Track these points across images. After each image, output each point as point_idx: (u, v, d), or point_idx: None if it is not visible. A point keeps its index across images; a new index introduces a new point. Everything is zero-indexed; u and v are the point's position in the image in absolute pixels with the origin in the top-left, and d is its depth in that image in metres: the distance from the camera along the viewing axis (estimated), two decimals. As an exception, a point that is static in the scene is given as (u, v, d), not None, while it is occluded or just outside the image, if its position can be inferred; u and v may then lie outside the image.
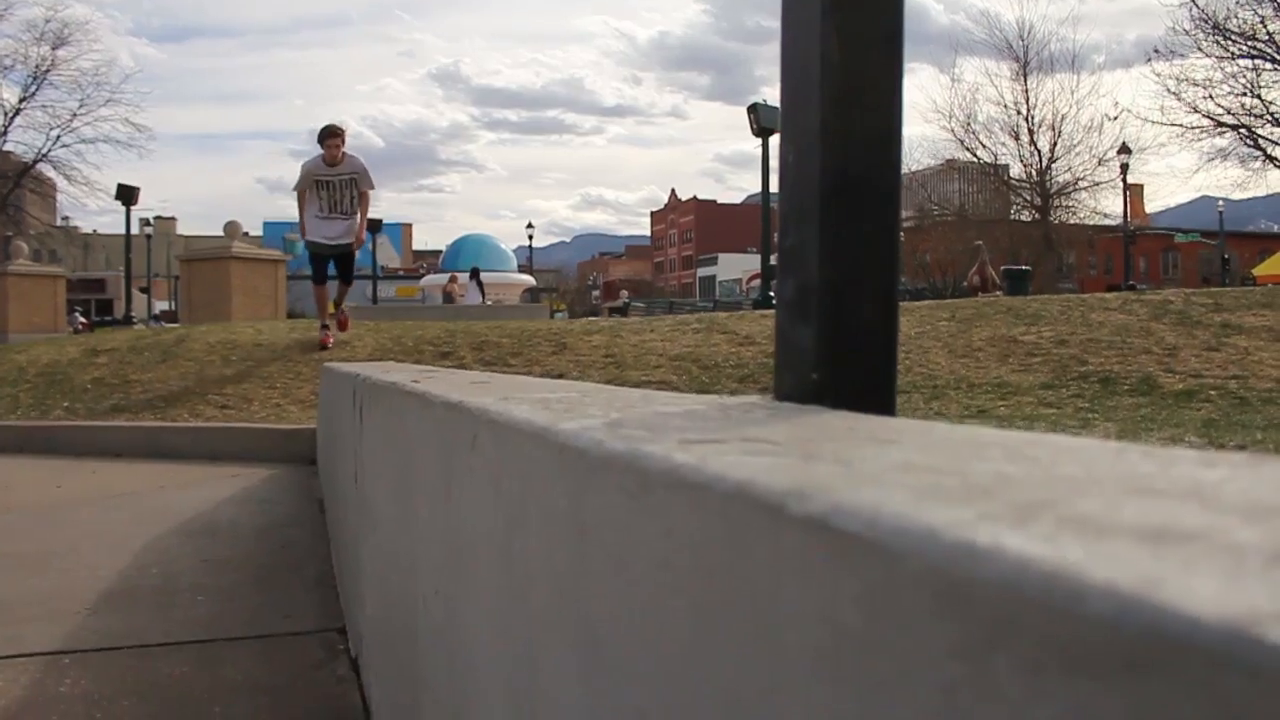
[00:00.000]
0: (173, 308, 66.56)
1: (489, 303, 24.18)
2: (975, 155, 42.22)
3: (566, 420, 1.04)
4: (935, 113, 42.17)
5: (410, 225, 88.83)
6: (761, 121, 24.07)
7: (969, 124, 40.02)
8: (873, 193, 1.45)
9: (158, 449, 7.11)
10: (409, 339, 9.97)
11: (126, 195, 33.36)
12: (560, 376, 8.50)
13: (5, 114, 45.73)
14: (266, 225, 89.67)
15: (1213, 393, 6.66)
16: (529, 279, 29.83)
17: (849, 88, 1.41)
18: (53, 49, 45.21)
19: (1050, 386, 7.10)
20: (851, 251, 1.47)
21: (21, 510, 5.68)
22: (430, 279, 28.33)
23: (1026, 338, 8.29)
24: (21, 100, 45.65)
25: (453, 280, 25.39)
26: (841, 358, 1.47)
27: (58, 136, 46.06)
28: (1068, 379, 7.27)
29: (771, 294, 24.34)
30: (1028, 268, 25.49)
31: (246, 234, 23.58)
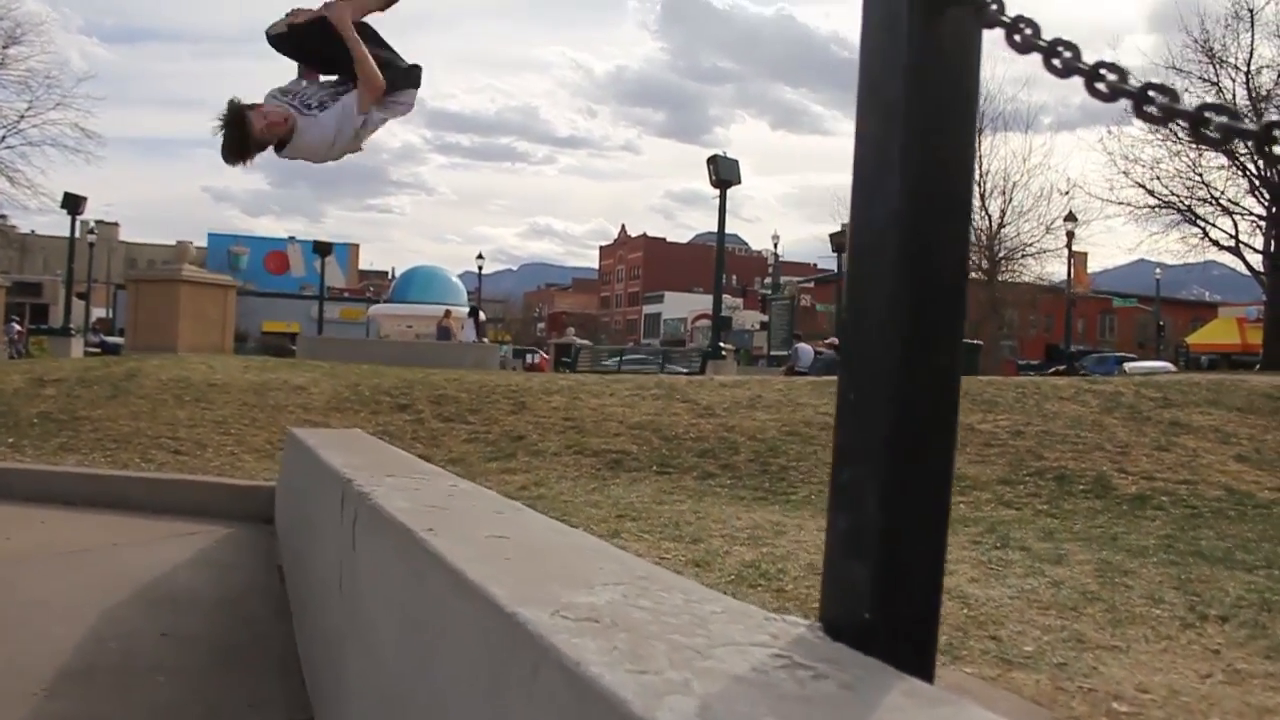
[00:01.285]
0: (110, 315, 65.46)
1: (485, 340, 24.19)
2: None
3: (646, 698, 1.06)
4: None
5: (358, 245, 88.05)
6: (720, 173, 24.29)
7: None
8: (939, 431, 1.50)
9: (109, 498, 6.97)
10: (366, 388, 9.89)
11: (73, 204, 32.85)
12: (520, 438, 8.50)
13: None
14: (211, 237, 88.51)
15: (1165, 499, 6.80)
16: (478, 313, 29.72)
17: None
18: (3, 47, 44.52)
19: (1007, 482, 7.21)
20: (913, 493, 1.50)
21: (-28, 566, 5.55)
22: (380, 309, 28.14)
23: (983, 426, 8.41)
24: (-35, 99, 44.83)
25: (448, 315, 25.48)
26: (892, 596, 1.50)
27: (2, 137, 45.26)
28: (1024, 474, 7.39)
29: (721, 345, 24.50)
30: (978, 342, 25.80)
31: (199, 247, 23.29)
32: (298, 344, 23.80)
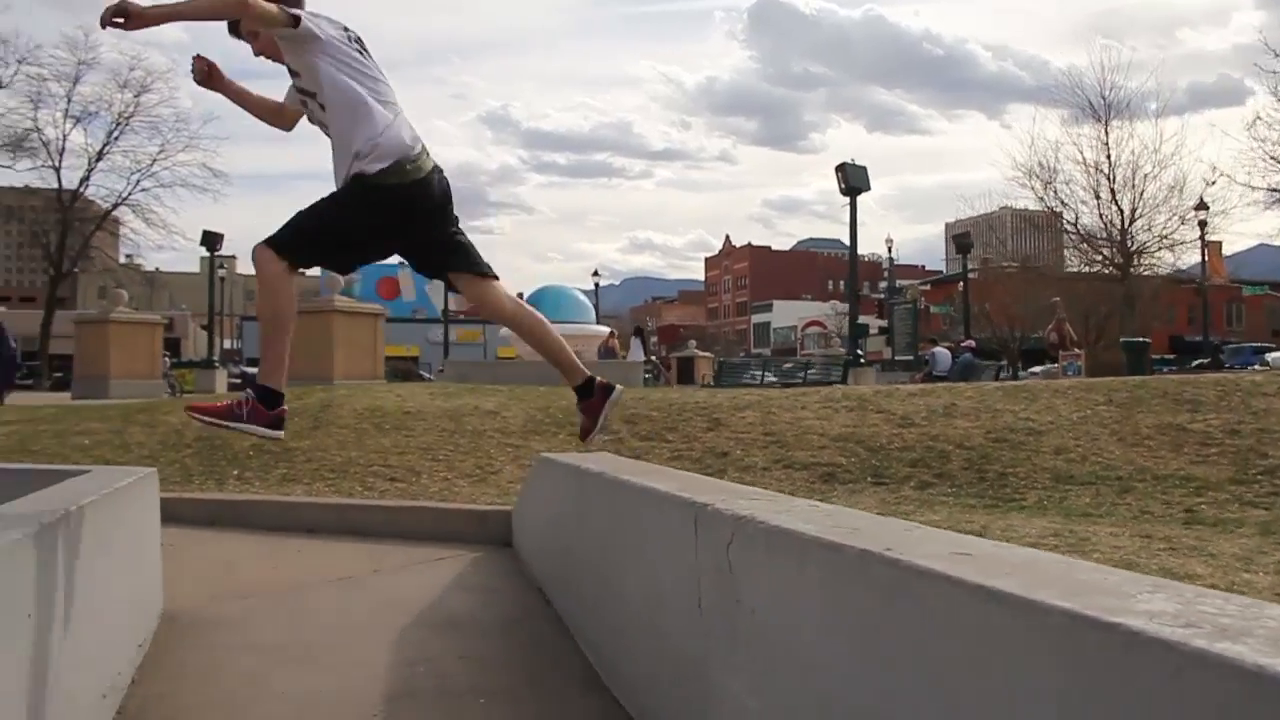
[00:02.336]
0: (238, 346, 67.32)
1: (653, 359, 24.42)
2: (1057, 214, 42.04)
3: None
4: (1016, 170, 41.84)
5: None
6: (849, 180, 24.17)
7: (1050, 181, 39.80)
8: None
9: (350, 526, 7.22)
10: (556, 410, 10.07)
11: (210, 241, 34.01)
12: (724, 454, 8.58)
13: (89, 159, 46.89)
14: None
15: None
16: (606, 330, 29.94)
17: None
18: (135, 96, 46.47)
19: (1240, 482, 7.08)
20: None
21: (257, 594, 5.80)
22: (511, 331, 28.46)
23: (1194, 426, 8.26)
24: (104, 146, 46.81)
25: (612, 336, 26.04)
26: None
27: (138, 181, 47.14)
28: (1253, 473, 7.24)
29: (860, 353, 24.31)
30: (1146, 340, 25.11)
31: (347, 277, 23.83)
32: (444, 368, 24.26)
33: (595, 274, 52.35)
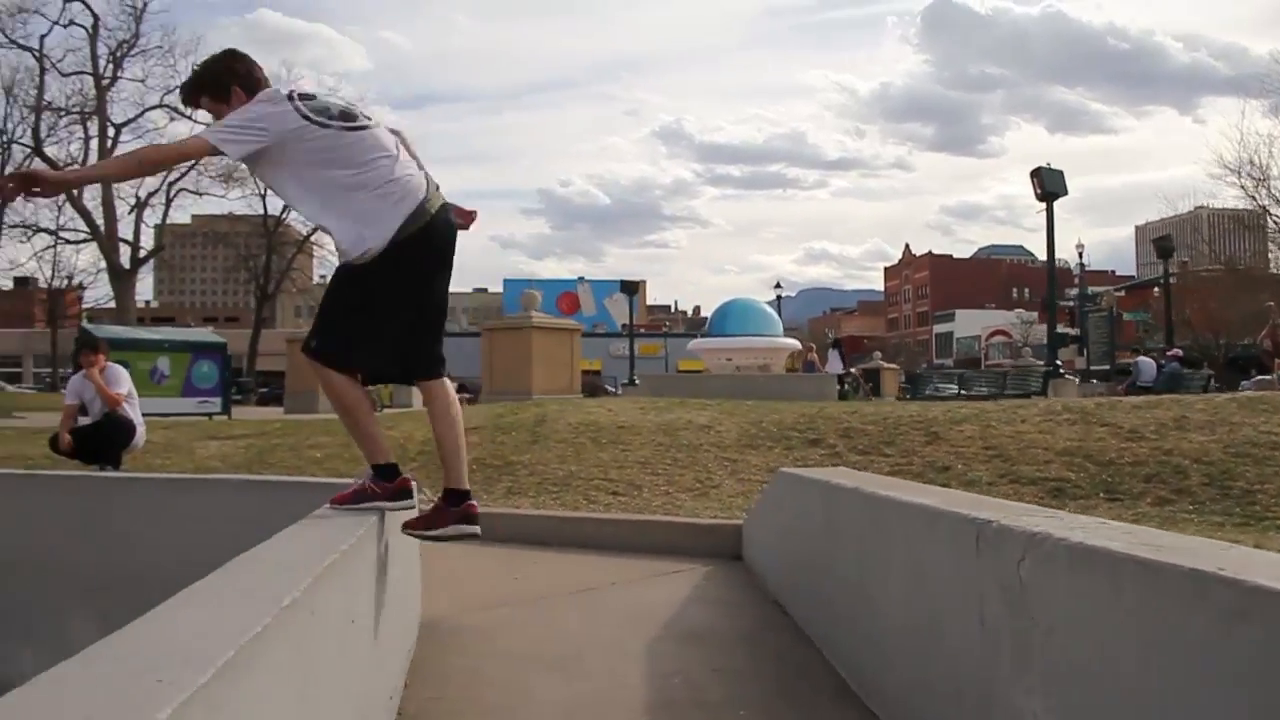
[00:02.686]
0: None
1: (851, 371, 24.52)
2: (1269, 213, 39.93)
3: None
4: (1222, 168, 39.77)
5: (644, 282, 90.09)
6: (1046, 185, 23.51)
7: (1263, 179, 37.76)
8: None
9: (581, 539, 7.39)
10: (769, 424, 10.11)
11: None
12: (945, 469, 8.46)
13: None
14: (506, 282, 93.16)
15: None
16: (794, 343, 29.80)
17: None
18: (336, 125, 48.53)
19: None
20: None
21: (504, 605, 6.00)
22: (699, 343, 28.62)
23: None
24: (306, 174, 49.03)
25: (811, 350, 26.35)
26: None
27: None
28: None
29: (1059, 364, 23.61)
30: None
31: (532, 292, 24.50)
32: (641, 382, 24.67)
33: (777, 286, 52.25)
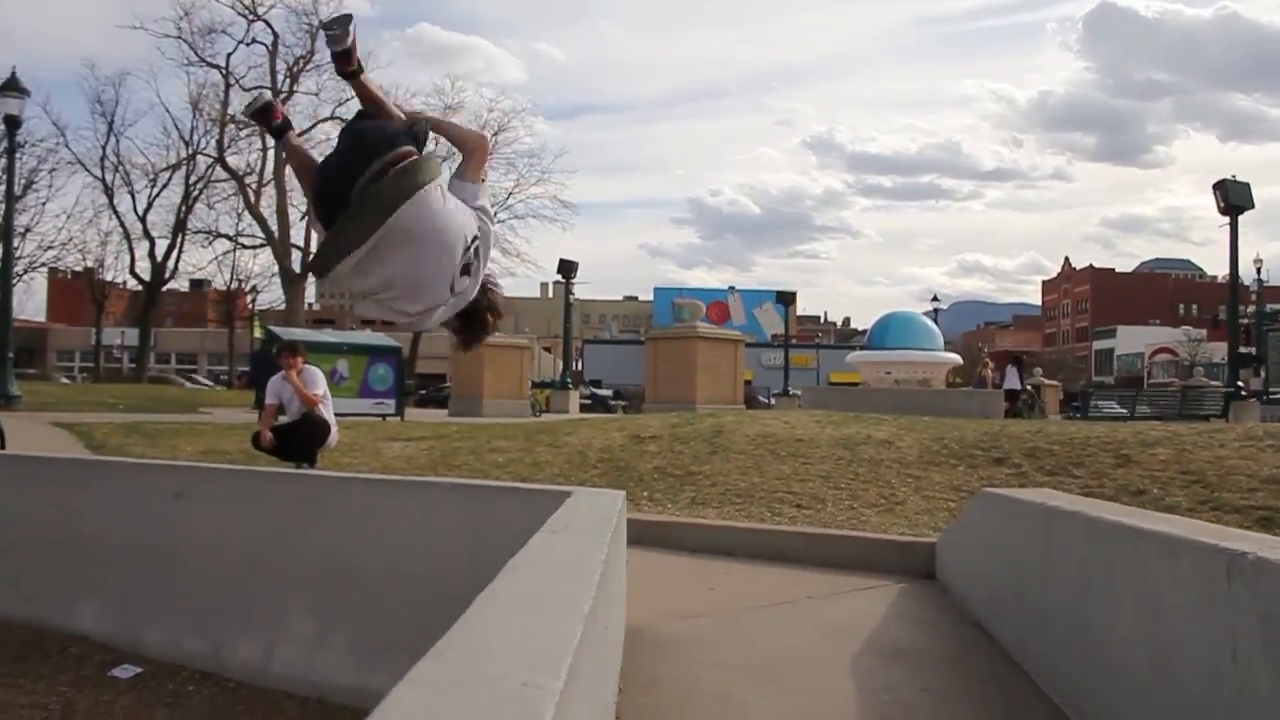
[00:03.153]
0: (579, 368, 70.42)
1: (1029, 387, 24.34)
2: None
3: None
4: None
5: (795, 293, 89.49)
6: (1230, 198, 22.63)
7: None
8: None
9: (770, 551, 7.43)
10: (951, 441, 10.00)
11: (566, 269, 35.78)
12: (1140, 493, 8.24)
13: (451, 195, 50.73)
14: (657, 291, 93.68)
15: None
16: (955, 357, 29.35)
17: None
18: (494, 135, 50.07)
19: None
20: None
21: (703, 615, 6.08)
22: (858, 356, 28.41)
23: None
24: (465, 182, 50.52)
25: (985, 366, 26.28)
26: None
27: (495, 213, 50.44)
28: None
29: (1240, 385, 22.67)
30: None
31: (691, 302, 24.67)
32: (802, 394, 24.62)
33: (933, 299, 51.44)
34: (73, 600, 7.62)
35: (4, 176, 21.91)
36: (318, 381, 10.07)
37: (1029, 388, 24.92)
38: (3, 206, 21.90)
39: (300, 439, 9.81)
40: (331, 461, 10.79)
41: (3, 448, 10.69)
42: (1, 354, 20.89)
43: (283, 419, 10.02)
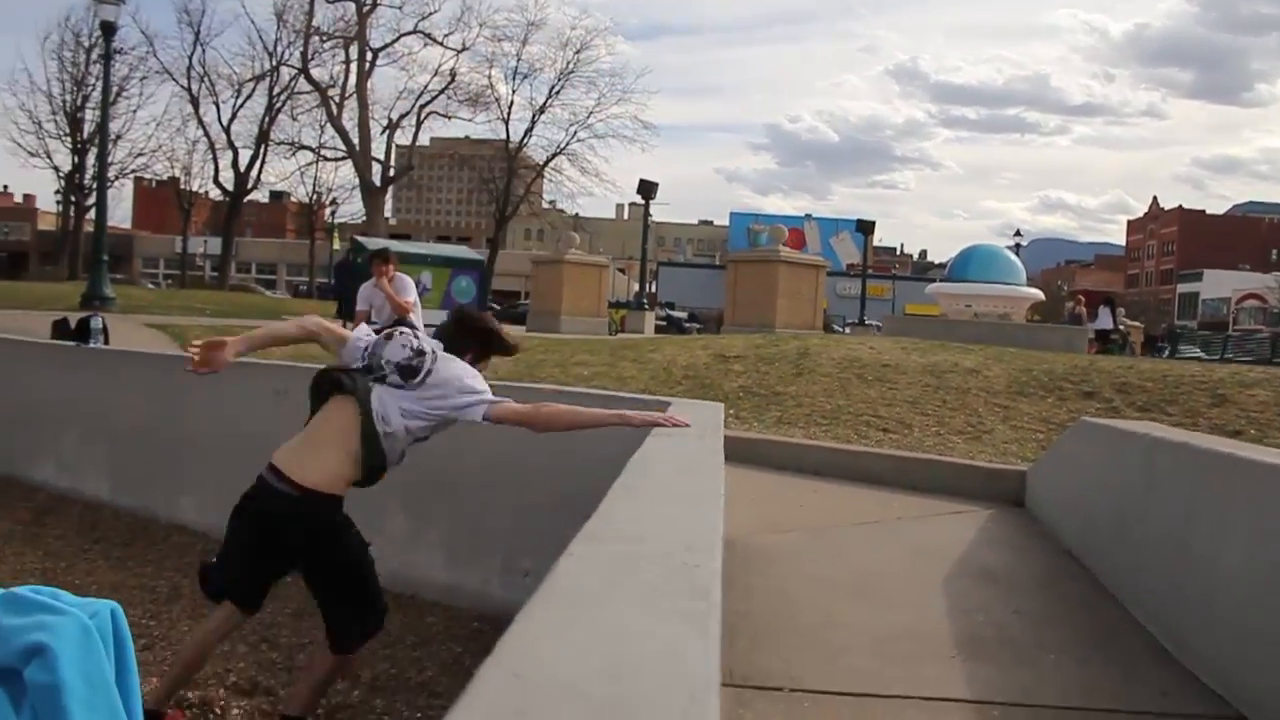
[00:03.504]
0: (654, 290, 70.59)
1: (1121, 328, 24.13)
2: None
3: None
4: None
5: (874, 222, 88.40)
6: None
7: None
8: None
9: (856, 473, 7.46)
10: (1039, 372, 9.89)
11: (646, 189, 35.66)
12: (1236, 433, 8.11)
13: (533, 113, 50.71)
14: (733, 216, 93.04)
15: None
16: (1037, 293, 28.84)
17: None
18: (576, 53, 49.84)
19: None
20: None
21: (794, 529, 6.14)
22: (938, 288, 28.03)
23: None
24: (546, 100, 50.47)
25: (1079, 302, 26.05)
26: None
27: (574, 132, 50.47)
28: None
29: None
30: None
31: (772, 228, 24.48)
32: (883, 323, 24.42)
33: (1016, 234, 50.52)
34: (175, 492, 7.89)
35: (101, 82, 22.22)
36: (408, 289, 10.17)
37: (1120, 328, 24.49)
38: (100, 111, 22.25)
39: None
40: (419, 369, 10.93)
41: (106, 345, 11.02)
42: (98, 256, 21.38)
43: (374, 325, 10.16)
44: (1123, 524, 5.19)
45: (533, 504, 5.87)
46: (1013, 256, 29.46)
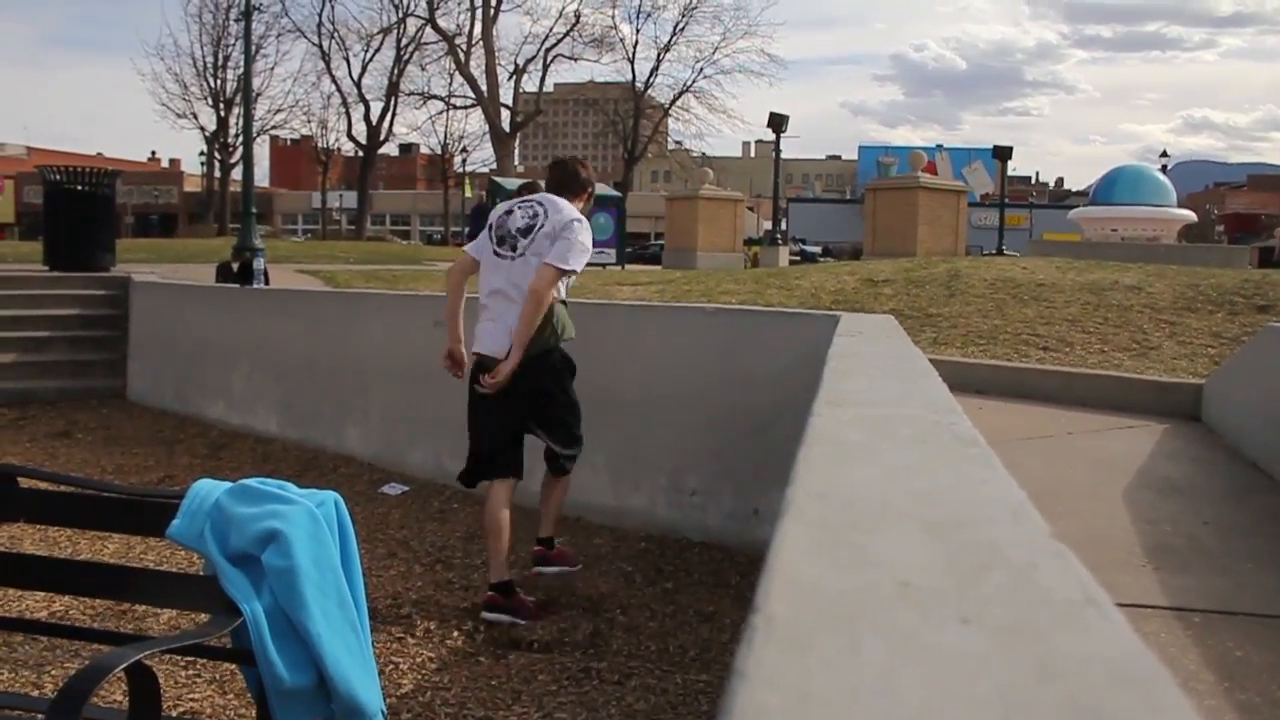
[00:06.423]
0: (782, 228, 69.96)
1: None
2: None
3: None
4: None
5: (1011, 148, 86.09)
6: None
7: None
8: None
9: (1021, 389, 7.30)
10: (1207, 287, 9.52)
11: (777, 123, 35.15)
12: None
13: (658, 51, 50.40)
14: (862, 149, 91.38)
15: None
16: (1189, 214, 27.73)
17: None
18: (699, -13, 49.24)
19: None
20: None
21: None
22: (1081, 212, 27.19)
23: None
24: (671, 38, 50.07)
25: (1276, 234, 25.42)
26: None
27: (700, 69, 50.05)
28: None
29: None
30: None
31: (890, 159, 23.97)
32: (1029, 248, 23.79)
33: (1163, 155, 48.58)
34: (341, 424, 8.13)
35: (240, 41, 22.78)
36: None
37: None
38: (243, 70, 22.86)
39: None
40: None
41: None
42: (246, 208, 22.01)
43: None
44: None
45: (694, 422, 5.88)
46: (1161, 176, 28.39)
